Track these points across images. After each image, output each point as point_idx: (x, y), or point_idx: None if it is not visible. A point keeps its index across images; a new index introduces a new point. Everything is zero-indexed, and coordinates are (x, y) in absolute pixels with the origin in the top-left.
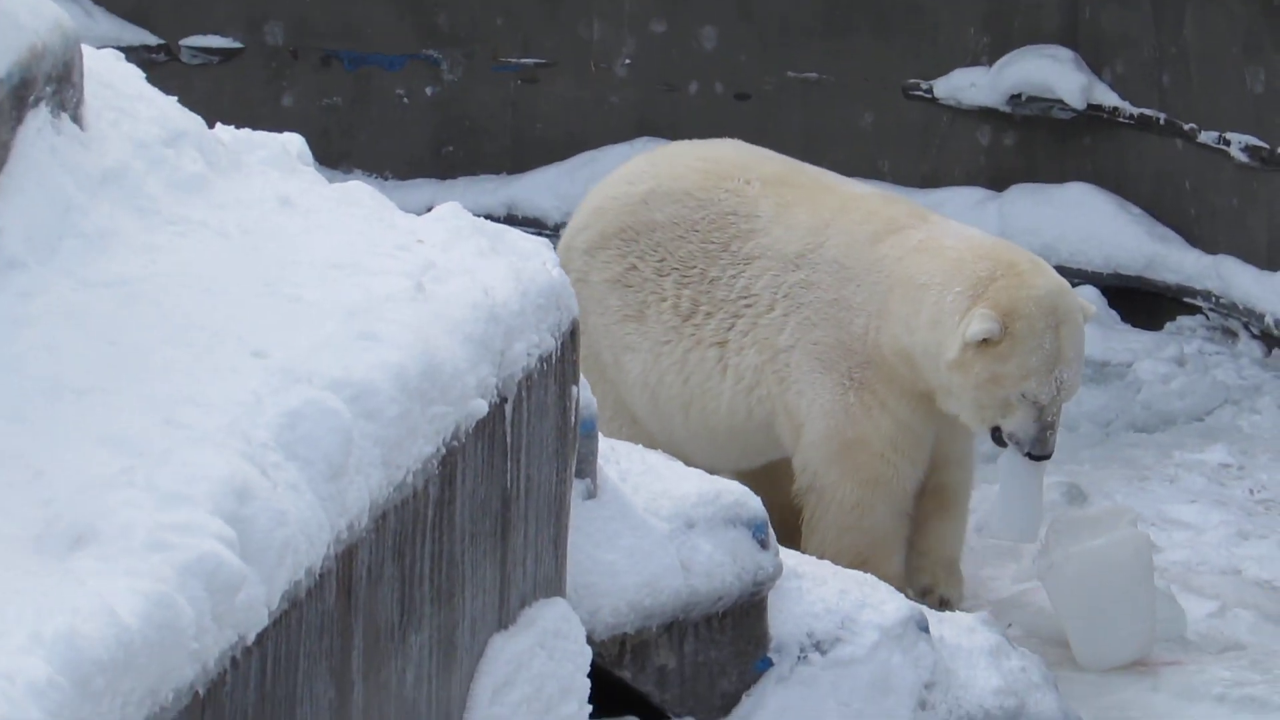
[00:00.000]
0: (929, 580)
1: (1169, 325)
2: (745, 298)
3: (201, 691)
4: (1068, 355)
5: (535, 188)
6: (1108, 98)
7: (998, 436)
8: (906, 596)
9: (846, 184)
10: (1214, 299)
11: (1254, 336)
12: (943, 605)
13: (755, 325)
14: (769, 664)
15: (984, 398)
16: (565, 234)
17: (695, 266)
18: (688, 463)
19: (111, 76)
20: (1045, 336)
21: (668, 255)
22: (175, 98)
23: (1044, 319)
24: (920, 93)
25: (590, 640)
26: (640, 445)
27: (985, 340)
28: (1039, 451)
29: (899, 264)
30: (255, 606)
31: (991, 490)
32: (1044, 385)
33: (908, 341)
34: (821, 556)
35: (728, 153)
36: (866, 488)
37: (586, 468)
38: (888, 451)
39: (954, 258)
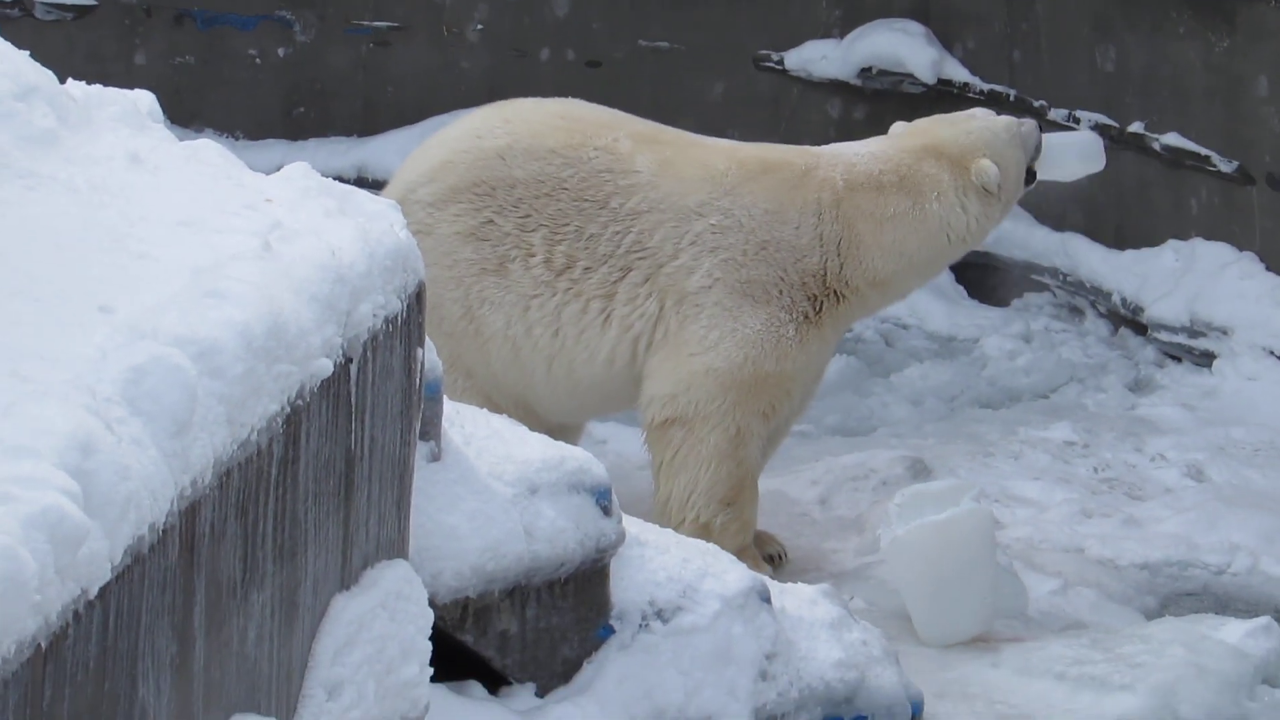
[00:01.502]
0: (774, 549)
1: (1016, 302)
2: (637, 251)
3: (44, 644)
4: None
5: (385, 151)
6: (958, 73)
7: (1031, 173)
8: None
9: (712, 139)
10: (1061, 276)
11: (1100, 315)
12: (780, 559)
13: (653, 275)
14: (611, 631)
15: (1020, 185)
16: (400, 185)
17: (569, 223)
18: (535, 415)
19: None
20: (972, 123)
21: (533, 211)
22: (27, 52)
23: (968, 125)
24: (771, 64)
25: (432, 603)
26: (475, 402)
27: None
28: (1030, 127)
29: (843, 204)
30: (98, 560)
31: None
32: (1007, 122)
33: (898, 265)
34: (690, 495)
35: (584, 111)
36: (754, 418)
37: (431, 430)
38: (795, 388)
39: (896, 180)
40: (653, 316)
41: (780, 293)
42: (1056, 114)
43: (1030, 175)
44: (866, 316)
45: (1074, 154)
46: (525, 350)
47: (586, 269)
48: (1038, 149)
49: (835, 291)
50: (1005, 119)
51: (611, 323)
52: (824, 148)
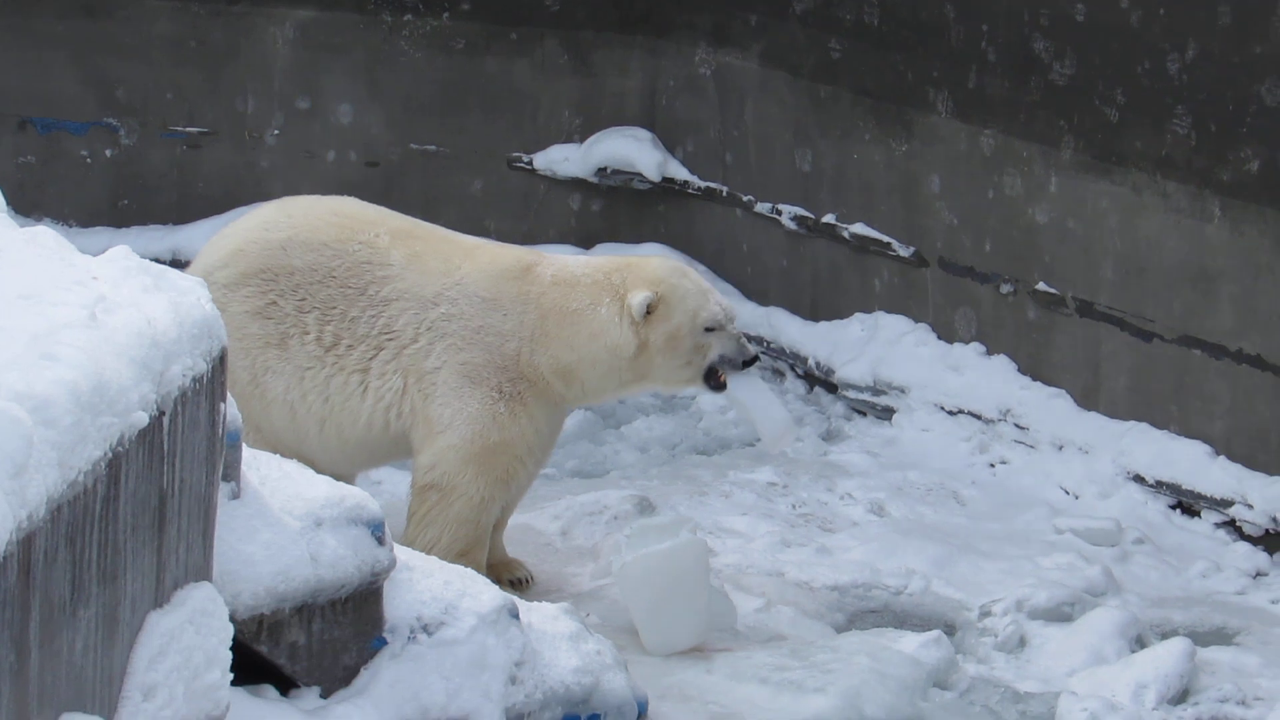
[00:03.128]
0: (522, 573)
1: None
2: (387, 333)
3: None
4: (709, 286)
5: (196, 237)
6: (679, 172)
7: (713, 378)
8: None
9: (460, 236)
10: (766, 344)
11: (799, 376)
12: (527, 582)
13: (399, 355)
14: (384, 643)
15: (678, 355)
16: (201, 267)
17: (335, 307)
18: (314, 467)
19: None
20: (684, 281)
21: (308, 296)
22: None
23: (674, 273)
24: (522, 165)
25: (232, 619)
26: (267, 452)
27: (649, 311)
28: (746, 356)
29: (544, 297)
30: None
31: None
32: (712, 311)
33: (571, 359)
34: (432, 547)
35: (354, 209)
36: (494, 485)
37: (232, 473)
38: (524, 454)
39: (589, 283)
40: (399, 390)
41: (489, 375)
42: (762, 207)
43: (713, 376)
44: (572, 405)
45: (759, 417)
46: (301, 413)
47: (349, 346)
48: (728, 361)
49: (527, 376)
50: (713, 302)
51: (368, 394)
52: (558, 254)
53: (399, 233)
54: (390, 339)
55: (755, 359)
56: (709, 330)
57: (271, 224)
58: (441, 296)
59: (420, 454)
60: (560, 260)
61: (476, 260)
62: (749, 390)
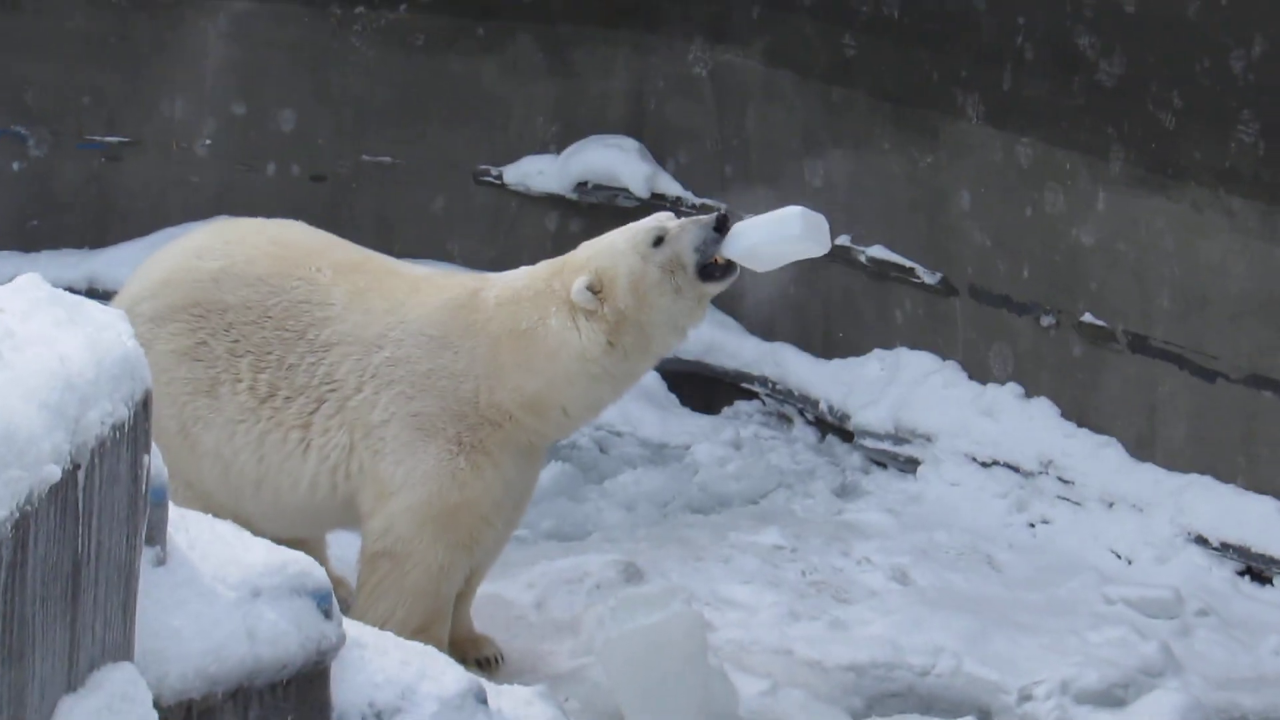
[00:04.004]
0: (490, 651)
1: (726, 410)
2: (328, 383)
3: None
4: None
5: (117, 262)
6: (671, 187)
7: (709, 271)
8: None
9: (409, 267)
10: (770, 385)
11: (808, 422)
12: (496, 662)
13: (343, 408)
14: None
15: (660, 293)
16: (126, 297)
17: (271, 352)
18: (251, 529)
19: None
20: (605, 236)
21: (241, 337)
22: None
23: (592, 241)
24: (490, 179)
25: (157, 705)
26: (196, 509)
27: (597, 290)
28: (712, 224)
29: (490, 323)
30: None
31: None
32: (646, 227)
33: (537, 386)
34: (385, 622)
35: (297, 237)
36: (456, 551)
37: (157, 535)
38: (490, 514)
39: (531, 295)
40: (345, 448)
41: (445, 425)
42: None
43: (708, 270)
44: (556, 438)
45: (774, 237)
46: (234, 471)
47: (287, 398)
48: (703, 245)
49: (490, 419)
50: (641, 225)
51: (310, 452)
52: (504, 273)
53: (343, 266)
54: (332, 390)
55: (725, 217)
56: (659, 244)
57: (205, 252)
58: (385, 338)
59: (371, 519)
60: (503, 279)
61: (421, 294)
62: (742, 238)
